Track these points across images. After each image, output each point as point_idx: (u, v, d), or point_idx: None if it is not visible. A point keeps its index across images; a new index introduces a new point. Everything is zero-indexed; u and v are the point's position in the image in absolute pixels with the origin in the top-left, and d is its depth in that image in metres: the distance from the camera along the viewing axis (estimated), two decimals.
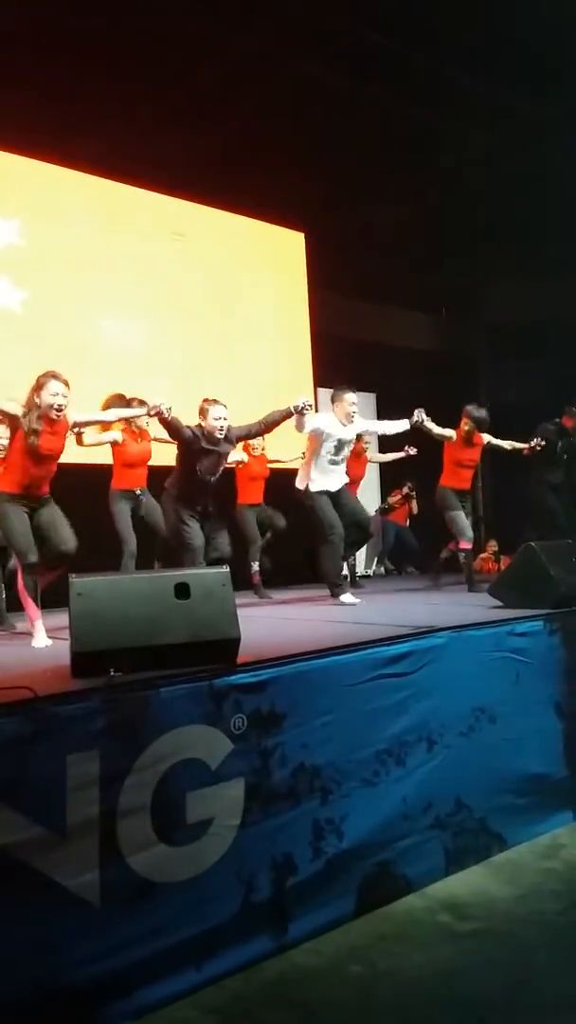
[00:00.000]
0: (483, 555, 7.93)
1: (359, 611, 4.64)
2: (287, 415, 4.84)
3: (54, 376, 3.88)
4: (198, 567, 4.32)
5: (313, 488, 5.10)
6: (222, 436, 4.65)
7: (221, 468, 4.77)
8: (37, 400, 3.86)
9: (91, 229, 6.84)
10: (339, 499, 5.15)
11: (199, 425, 4.67)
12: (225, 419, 4.65)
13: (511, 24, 6.15)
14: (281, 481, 5.99)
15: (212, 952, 2.40)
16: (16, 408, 3.89)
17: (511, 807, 3.31)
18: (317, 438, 5.12)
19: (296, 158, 7.31)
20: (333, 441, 5.10)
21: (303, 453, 5.41)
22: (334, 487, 5.15)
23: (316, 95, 6.86)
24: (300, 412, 4.82)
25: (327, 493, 5.11)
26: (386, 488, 8.79)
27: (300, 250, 8.40)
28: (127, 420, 5.20)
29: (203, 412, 4.70)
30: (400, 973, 2.40)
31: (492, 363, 9.82)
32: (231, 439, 4.78)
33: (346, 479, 5.30)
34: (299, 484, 5.20)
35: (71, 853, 2.19)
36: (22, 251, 6.49)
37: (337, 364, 8.48)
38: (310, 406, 4.88)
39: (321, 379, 8.33)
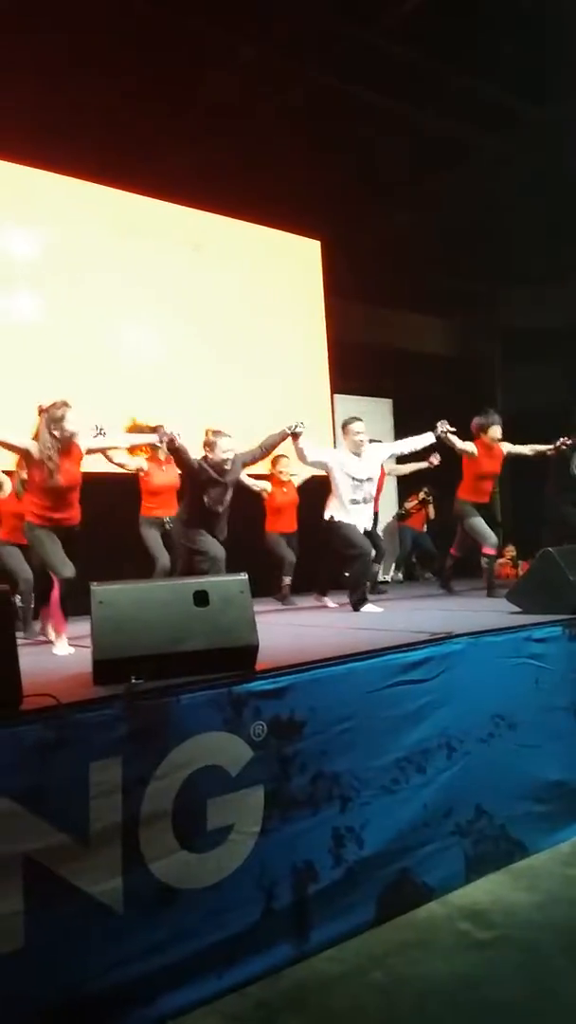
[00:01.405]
0: (501, 560, 7.90)
1: (377, 617, 4.65)
2: (283, 436, 4.85)
3: (64, 405, 3.90)
4: (218, 575, 4.34)
5: (338, 519, 5.05)
6: (229, 468, 4.63)
7: (228, 498, 4.75)
8: (56, 432, 3.86)
9: (109, 241, 6.91)
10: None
11: (205, 457, 4.65)
12: (232, 451, 4.62)
13: (525, 27, 6.16)
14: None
15: (233, 959, 2.41)
16: (26, 442, 3.90)
17: (532, 814, 3.29)
18: (330, 474, 5.06)
19: (312, 166, 7.35)
20: (347, 482, 5.01)
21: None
22: (360, 523, 5.08)
23: (331, 104, 6.90)
24: (294, 434, 4.81)
25: (356, 527, 5.06)
26: (403, 493, 8.79)
27: (316, 257, 8.44)
28: (152, 448, 5.25)
29: (210, 445, 4.64)
30: (421, 980, 2.40)
31: (508, 368, 9.79)
32: (237, 467, 4.76)
33: (370, 522, 5.24)
34: (326, 515, 5.13)
35: (94, 860, 2.21)
36: (41, 263, 6.57)
37: (354, 371, 8.51)
38: (303, 426, 4.84)
39: (338, 386, 8.36)
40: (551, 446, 5.94)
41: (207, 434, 4.70)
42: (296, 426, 4.80)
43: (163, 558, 5.36)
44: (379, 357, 8.86)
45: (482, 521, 5.65)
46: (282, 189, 7.38)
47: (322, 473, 5.31)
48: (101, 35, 5.80)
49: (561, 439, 5.96)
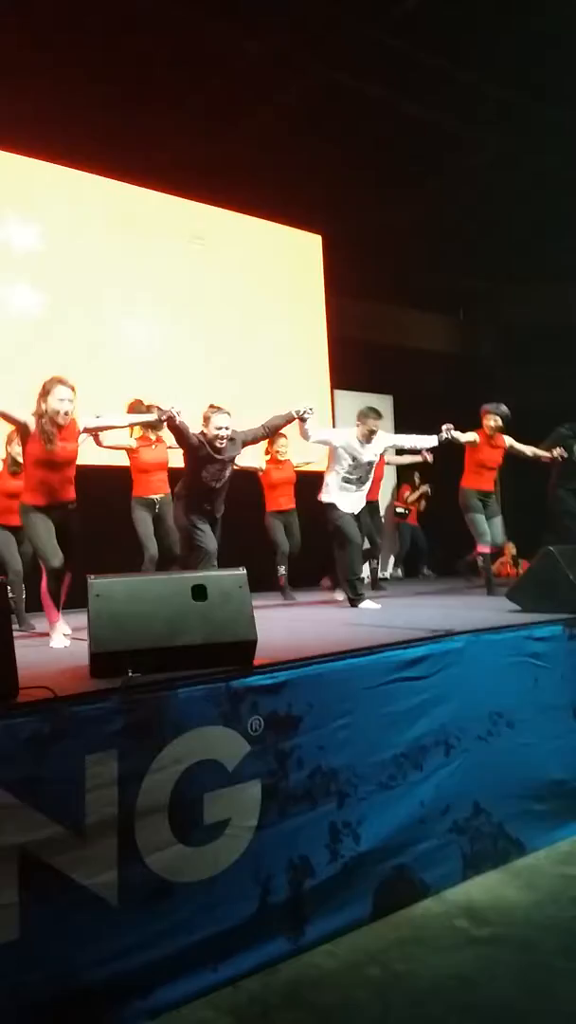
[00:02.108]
0: (501, 559, 7.89)
1: (376, 614, 4.64)
2: (289, 419, 4.87)
3: (60, 381, 3.89)
4: (214, 569, 4.32)
5: (332, 502, 5.11)
6: (222, 446, 4.63)
7: (226, 474, 4.75)
8: (44, 406, 3.87)
9: (110, 233, 6.89)
10: (358, 516, 5.19)
11: (203, 432, 4.66)
12: (227, 428, 4.61)
13: (530, 23, 6.14)
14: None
15: (229, 953, 2.41)
16: (25, 416, 3.91)
17: (529, 812, 3.28)
18: (332, 452, 5.12)
19: (314, 161, 7.34)
20: (347, 459, 5.07)
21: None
22: (352, 509, 5.14)
23: (333, 98, 6.87)
24: (302, 418, 4.84)
25: (350, 513, 5.11)
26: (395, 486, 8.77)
27: (317, 252, 8.42)
28: (143, 426, 5.22)
29: (206, 420, 4.67)
30: (417, 977, 2.40)
31: (510, 366, 9.77)
32: (237, 445, 4.75)
33: (363, 503, 5.27)
34: (321, 497, 5.21)
35: (89, 852, 2.20)
36: (42, 255, 6.55)
37: (354, 366, 8.49)
38: (311, 411, 4.86)
39: (338, 382, 8.34)
40: (548, 455, 5.99)
41: (208, 408, 4.72)
42: (304, 411, 4.82)
43: (152, 548, 5.34)
44: (380, 353, 8.85)
45: (483, 519, 5.66)
46: (284, 183, 7.37)
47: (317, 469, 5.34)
48: (104, 27, 5.77)
49: (558, 450, 6.03)
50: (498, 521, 5.82)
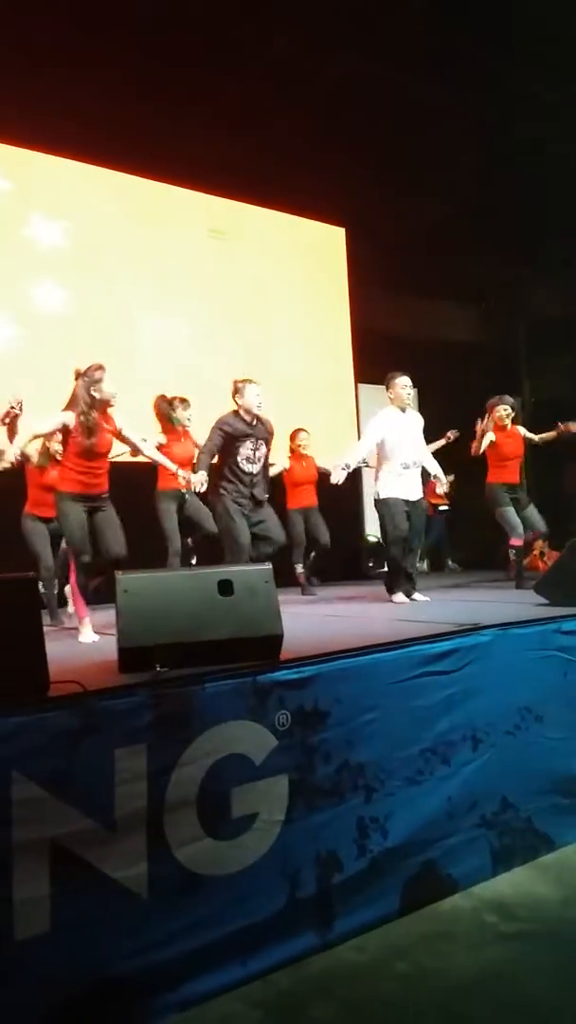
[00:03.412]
0: (534, 552, 7.82)
1: (404, 608, 4.62)
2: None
3: (104, 368, 3.93)
4: (242, 564, 4.32)
5: (384, 498, 4.85)
6: (260, 412, 4.56)
7: (263, 454, 4.66)
8: (95, 393, 3.87)
9: (133, 229, 6.92)
10: (415, 508, 4.87)
11: (233, 411, 4.60)
12: (260, 396, 4.56)
13: (554, 12, 6.04)
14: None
15: (258, 947, 2.41)
16: (60, 418, 3.91)
17: (558, 807, 3.25)
18: (382, 442, 4.87)
19: (336, 152, 7.28)
20: (398, 440, 4.82)
21: (364, 461, 5.23)
22: (404, 495, 4.82)
23: (356, 89, 6.82)
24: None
25: (402, 500, 4.81)
26: None
27: (341, 245, 8.37)
28: (170, 421, 5.24)
29: (239, 391, 4.59)
30: (446, 972, 2.39)
31: (535, 357, 9.67)
32: (267, 427, 4.69)
33: (418, 491, 4.91)
34: (376, 495, 4.94)
35: (119, 845, 2.22)
36: (66, 252, 6.60)
37: (378, 359, 8.42)
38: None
39: (362, 376, 8.30)
40: (552, 432, 5.85)
41: (234, 384, 4.64)
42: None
43: (177, 542, 5.33)
44: (404, 345, 8.77)
45: (512, 512, 5.60)
46: (307, 176, 7.33)
47: None
48: (127, 22, 5.78)
49: (564, 425, 5.85)
50: (532, 510, 5.71)
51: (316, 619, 4.30)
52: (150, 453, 4.40)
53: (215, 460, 4.69)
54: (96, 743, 2.21)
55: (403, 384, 4.95)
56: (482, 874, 2.96)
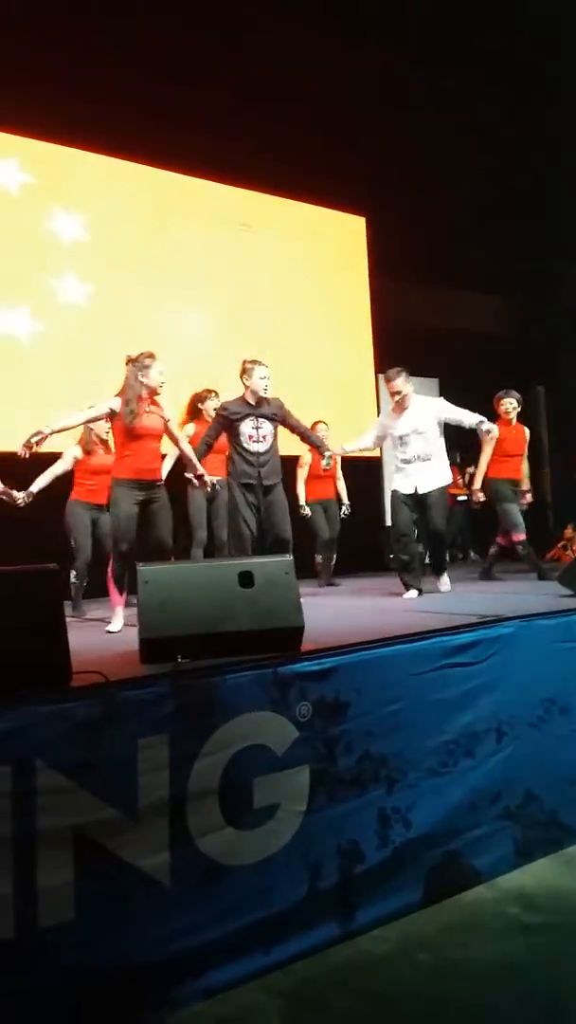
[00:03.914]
0: (561, 544, 7.76)
1: (424, 599, 4.60)
2: (316, 446, 5.06)
3: (154, 356, 3.99)
4: (260, 556, 4.31)
5: (392, 488, 4.95)
6: (266, 394, 4.57)
7: (268, 432, 4.60)
8: (144, 379, 3.91)
9: (155, 222, 6.92)
10: (425, 501, 4.79)
11: (242, 396, 4.62)
12: (268, 378, 4.57)
13: None
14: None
15: (280, 936, 2.42)
16: (109, 403, 3.94)
17: None
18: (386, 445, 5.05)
19: (358, 142, 7.23)
20: (394, 440, 4.88)
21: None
22: (405, 489, 4.79)
23: (378, 79, 6.77)
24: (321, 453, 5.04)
25: (402, 494, 4.81)
26: None
27: (362, 235, 8.32)
28: (199, 412, 5.31)
29: (247, 372, 4.57)
30: (469, 964, 2.38)
31: (560, 349, 9.53)
32: (275, 407, 4.65)
33: (427, 482, 4.79)
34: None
35: (142, 834, 2.24)
36: (88, 246, 6.61)
37: (399, 350, 8.37)
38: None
39: (383, 366, 8.25)
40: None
41: (243, 364, 4.64)
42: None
43: (201, 531, 5.36)
44: (425, 336, 8.72)
45: (516, 508, 5.58)
46: (327, 166, 7.29)
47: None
48: (146, 15, 5.78)
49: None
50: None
51: (337, 610, 4.29)
52: (186, 449, 4.40)
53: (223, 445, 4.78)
54: (118, 733, 2.23)
55: (396, 388, 4.82)
56: (505, 865, 2.95)
